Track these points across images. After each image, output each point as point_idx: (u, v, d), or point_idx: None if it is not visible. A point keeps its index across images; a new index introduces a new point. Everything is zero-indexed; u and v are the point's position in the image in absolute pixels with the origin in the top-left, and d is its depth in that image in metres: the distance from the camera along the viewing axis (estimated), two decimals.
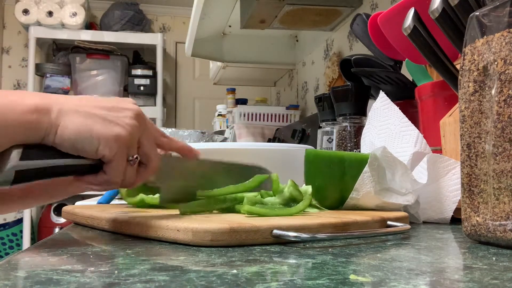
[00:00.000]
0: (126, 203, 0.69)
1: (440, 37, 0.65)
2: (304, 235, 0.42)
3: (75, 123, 0.45)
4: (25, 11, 3.26)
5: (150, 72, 3.43)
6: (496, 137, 0.42)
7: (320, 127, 1.07)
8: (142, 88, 3.41)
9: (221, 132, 2.58)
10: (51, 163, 0.45)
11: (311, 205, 0.61)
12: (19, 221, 3.27)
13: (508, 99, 0.41)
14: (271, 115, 2.36)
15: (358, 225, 0.50)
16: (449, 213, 0.63)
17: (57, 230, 3.13)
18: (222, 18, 2.16)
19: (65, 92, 3.40)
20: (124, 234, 0.51)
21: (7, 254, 3.17)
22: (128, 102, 0.50)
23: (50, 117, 0.45)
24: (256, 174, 0.63)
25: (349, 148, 0.95)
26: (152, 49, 3.57)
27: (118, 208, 0.65)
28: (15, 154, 0.43)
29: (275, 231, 0.44)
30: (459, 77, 0.46)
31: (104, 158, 0.47)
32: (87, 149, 0.46)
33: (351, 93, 0.94)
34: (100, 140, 0.46)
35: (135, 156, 0.49)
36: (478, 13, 0.45)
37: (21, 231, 3.21)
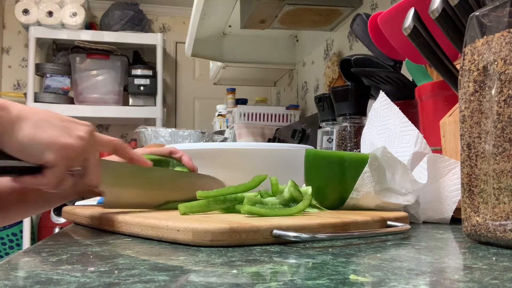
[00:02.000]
0: None
1: (440, 37, 0.65)
2: (304, 235, 0.42)
3: (30, 126, 0.47)
4: (25, 11, 3.26)
5: (150, 72, 3.43)
6: (496, 137, 0.42)
7: (320, 127, 1.07)
8: (142, 88, 3.41)
9: (221, 132, 2.58)
10: None
11: (311, 205, 0.61)
12: (19, 221, 3.27)
13: (508, 99, 0.41)
14: (271, 115, 2.36)
15: (358, 225, 0.50)
16: (449, 213, 0.63)
17: (57, 230, 3.13)
18: (222, 18, 2.16)
19: (65, 92, 3.40)
20: (124, 234, 0.51)
21: (7, 254, 3.17)
22: (84, 122, 0.53)
23: (9, 115, 0.47)
24: (208, 182, 0.68)
25: (349, 148, 0.95)
26: (152, 49, 3.57)
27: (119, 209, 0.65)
28: None
29: (275, 231, 0.44)
30: (459, 77, 0.46)
31: (47, 164, 0.49)
32: (34, 153, 0.48)
33: (351, 93, 0.94)
34: (49, 146, 0.48)
35: (76, 168, 0.52)
36: (478, 13, 0.45)
37: (21, 231, 3.21)
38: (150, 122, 3.46)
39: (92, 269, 0.33)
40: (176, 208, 0.61)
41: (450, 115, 0.71)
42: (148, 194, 0.62)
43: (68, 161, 0.50)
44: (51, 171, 0.49)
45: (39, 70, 3.40)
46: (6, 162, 0.48)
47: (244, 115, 2.33)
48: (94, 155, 0.54)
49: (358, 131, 0.94)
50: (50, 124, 0.49)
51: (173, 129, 2.20)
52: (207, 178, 0.72)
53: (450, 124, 0.70)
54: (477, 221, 0.44)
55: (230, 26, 2.28)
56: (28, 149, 0.48)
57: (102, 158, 0.58)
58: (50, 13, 3.27)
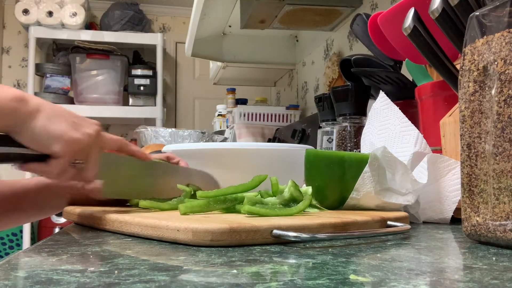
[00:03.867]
0: (128, 203, 0.69)
1: (440, 37, 0.65)
2: (304, 235, 0.42)
3: (44, 118, 0.52)
4: (25, 11, 3.26)
5: (150, 72, 3.43)
6: (496, 137, 0.42)
7: (320, 127, 1.07)
8: (142, 88, 3.41)
9: (221, 132, 2.58)
10: (4, 150, 0.52)
11: (311, 205, 0.61)
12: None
13: (508, 99, 0.41)
14: (271, 115, 2.36)
15: (358, 225, 0.50)
16: (449, 213, 0.63)
17: (57, 230, 3.13)
18: (222, 18, 2.16)
19: (65, 92, 3.40)
20: (124, 234, 0.51)
21: (7, 254, 3.17)
22: (93, 121, 0.59)
23: (28, 108, 0.51)
24: (201, 176, 0.71)
25: (349, 148, 0.95)
26: (152, 49, 3.57)
27: (119, 208, 0.65)
28: None
29: (275, 231, 0.44)
30: (459, 77, 0.46)
31: (54, 154, 0.53)
32: (44, 143, 0.52)
33: (351, 93, 0.94)
34: (58, 138, 0.52)
35: (79, 161, 0.57)
36: (478, 13, 0.45)
37: (21, 231, 3.21)
38: (150, 122, 3.46)
39: (92, 269, 0.33)
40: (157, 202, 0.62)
41: (450, 115, 0.71)
42: (140, 185, 0.65)
43: (73, 154, 0.54)
44: (56, 161, 0.54)
45: (39, 70, 3.40)
46: (15, 149, 0.52)
47: (244, 115, 2.33)
48: (95, 153, 0.57)
49: (358, 131, 0.94)
50: (63, 118, 0.54)
51: (173, 129, 2.20)
52: (200, 173, 0.74)
53: (450, 124, 0.70)
54: (477, 221, 0.44)
55: (230, 26, 2.28)
56: (39, 139, 0.52)
57: (104, 151, 0.62)
58: (50, 13, 3.27)
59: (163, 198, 0.65)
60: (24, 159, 0.54)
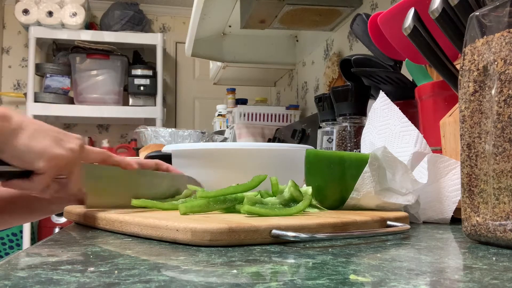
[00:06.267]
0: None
1: (440, 37, 0.65)
2: (303, 235, 0.42)
3: (27, 135, 0.52)
4: (25, 11, 3.26)
5: (150, 72, 3.43)
6: (496, 137, 0.42)
7: (320, 127, 1.07)
8: (142, 88, 3.41)
9: (221, 132, 2.58)
10: None
11: (311, 205, 0.61)
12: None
13: (508, 99, 0.41)
14: (271, 115, 2.36)
15: (357, 225, 0.50)
16: (449, 213, 0.63)
17: (57, 230, 3.13)
18: (222, 18, 2.16)
19: (65, 92, 3.40)
20: (124, 234, 0.51)
21: (7, 254, 3.17)
22: (76, 136, 0.58)
23: (11, 125, 0.51)
24: (185, 182, 0.71)
25: (349, 148, 0.95)
26: (152, 49, 3.57)
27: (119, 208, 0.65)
28: None
29: (274, 231, 0.44)
30: (459, 77, 0.46)
31: (38, 171, 0.53)
32: (27, 160, 0.52)
33: (351, 93, 0.94)
34: (42, 155, 0.52)
35: (63, 177, 0.56)
36: (478, 13, 0.45)
37: (21, 231, 3.21)
38: (150, 122, 3.46)
39: (92, 269, 0.33)
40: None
41: (450, 115, 0.71)
42: (126, 194, 0.64)
43: (56, 170, 0.54)
44: (39, 177, 0.53)
45: (39, 70, 3.40)
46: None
47: (244, 115, 2.33)
48: (77, 169, 0.58)
49: (358, 131, 0.94)
50: (45, 134, 0.53)
51: (173, 129, 2.20)
52: (184, 177, 0.74)
53: (450, 124, 0.70)
54: (477, 221, 0.44)
55: (230, 26, 2.28)
56: (22, 157, 0.51)
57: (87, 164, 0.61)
58: (50, 13, 3.27)
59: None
60: (7, 176, 0.53)
